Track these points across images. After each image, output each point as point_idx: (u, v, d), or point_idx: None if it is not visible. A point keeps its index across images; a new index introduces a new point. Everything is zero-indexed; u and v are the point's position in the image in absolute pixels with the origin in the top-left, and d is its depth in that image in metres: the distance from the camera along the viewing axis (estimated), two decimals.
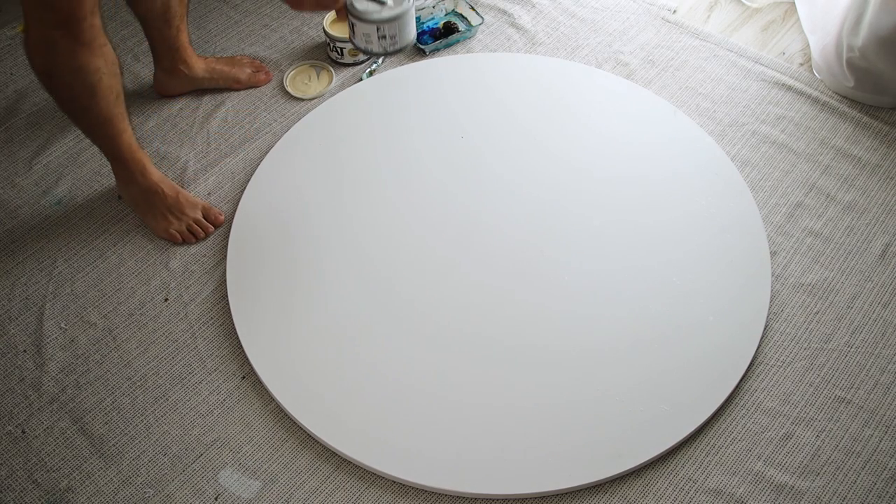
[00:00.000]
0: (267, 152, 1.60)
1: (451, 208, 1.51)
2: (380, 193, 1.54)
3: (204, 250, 1.48)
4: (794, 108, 1.64)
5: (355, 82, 1.73)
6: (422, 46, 1.75)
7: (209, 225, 1.49)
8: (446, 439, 1.25)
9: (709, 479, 1.22)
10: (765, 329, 1.35)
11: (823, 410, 1.27)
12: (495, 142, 1.60)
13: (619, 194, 1.52)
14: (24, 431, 1.28)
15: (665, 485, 1.21)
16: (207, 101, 1.69)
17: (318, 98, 1.70)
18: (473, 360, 1.33)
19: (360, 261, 1.45)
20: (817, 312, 1.38)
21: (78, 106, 1.31)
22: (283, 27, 1.83)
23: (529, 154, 1.58)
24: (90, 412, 1.30)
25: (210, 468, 1.24)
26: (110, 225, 1.52)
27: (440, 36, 1.78)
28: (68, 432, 1.28)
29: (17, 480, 1.24)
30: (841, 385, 1.30)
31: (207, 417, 1.29)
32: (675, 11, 1.84)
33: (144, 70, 1.74)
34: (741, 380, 1.30)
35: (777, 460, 1.23)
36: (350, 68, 1.76)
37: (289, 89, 1.71)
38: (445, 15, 1.82)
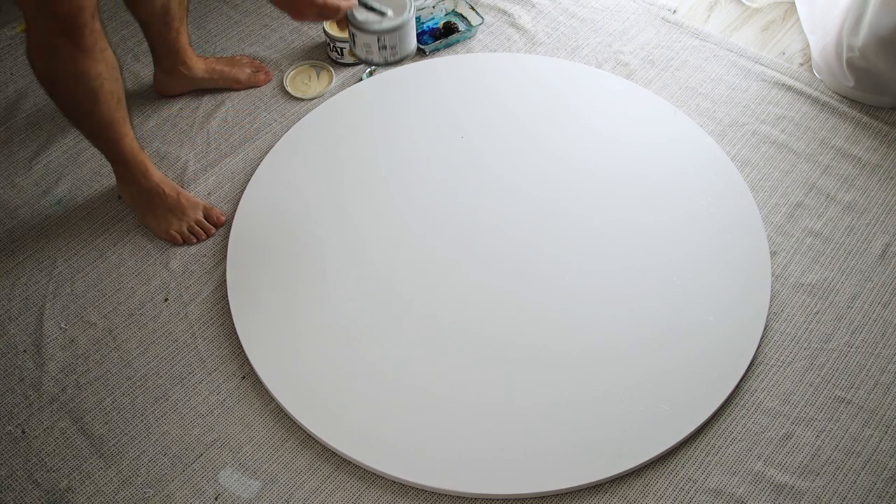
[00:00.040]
0: (267, 152, 1.60)
1: (452, 208, 1.51)
2: (380, 193, 1.54)
3: (204, 250, 1.49)
4: (794, 108, 1.64)
5: (355, 82, 1.73)
6: (422, 46, 1.75)
7: (210, 226, 1.49)
8: (446, 439, 1.25)
9: (709, 479, 1.22)
10: (765, 329, 1.35)
11: (823, 410, 1.27)
12: (495, 142, 1.60)
13: (619, 194, 1.52)
14: (24, 431, 1.28)
15: (665, 485, 1.21)
16: (207, 101, 1.69)
17: (318, 98, 1.70)
18: (473, 359, 1.33)
19: (360, 260, 1.45)
20: (817, 312, 1.38)
21: (80, 111, 1.32)
22: (283, 27, 1.83)
23: (529, 154, 1.58)
24: (90, 412, 1.30)
25: (210, 468, 1.24)
26: (110, 225, 1.52)
27: (440, 36, 1.78)
28: (68, 432, 1.28)
29: (17, 480, 1.24)
30: (841, 385, 1.30)
31: (207, 417, 1.29)
32: (675, 11, 1.84)
33: (144, 70, 1.74)
34: (741, 380, 1.30)
35: (777, 460, 1.23)
36: (350, 68, 1.76)
37: (289, 89, 1.71)
38: (445, 15, 1.82)
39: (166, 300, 1.42)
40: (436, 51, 1.77)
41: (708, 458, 1.24)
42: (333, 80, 1.72)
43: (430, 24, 1.80)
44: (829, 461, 1.23)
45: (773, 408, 1.28)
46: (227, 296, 1.41)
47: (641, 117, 1.64)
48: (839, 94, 1.65)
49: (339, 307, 1.39)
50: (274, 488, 1.22)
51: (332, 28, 1.71)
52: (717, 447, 1.24)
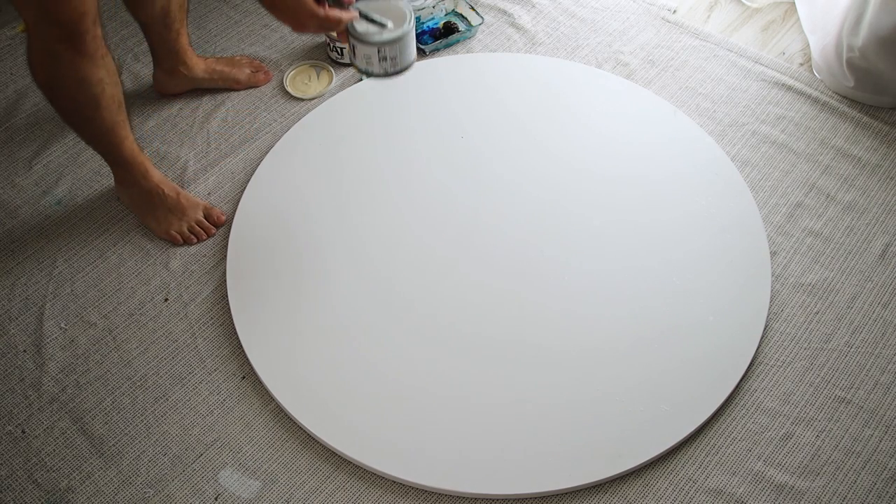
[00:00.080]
0: (267, 152, 1.60)
1: (452, 208, 1.51)
2: (380, 193, 1.54)
3: (204, 250, 1.48)
4: (794, 108, 1.64)
5: (355, 82, 1.73)
6: (422, 46, 1.75)
7: (211, 226, 1.49)
8: (446, 439, 1.25)
9: (709, 479, 1.22)
10: (765, 329, 1.35)
11: (823, 410, 1.27)
12: (495, 142, 1.60)
13: (619, 194, 1.52)
14: (24, 431, 1.28)
15: (665, 485, 1.21)
16: (207, 101, 1.69)
17: (318, 98, 1.70)
18: (473, 359, 1.33)
19: (360, 260, 1.45)
20: (817, 312, 1.38)
21: (82, 117, 1.32)
22: (283, 27, 1.83)
23: (529, 154, 1.58)
24: (90, 412, 1.30)
25: (210, 468, 1.24)
26: (110, 225, 1.52)
27: (440, 36, 1.78)
28: (68, 432, 1.28)
29: (17, 480, 1.24)
30: (841, 385, 1.30)
31: (207, 417, 1.29)
32: (675, 11, 1.84)
33: (144, 70, 1.74)
34: (741, 380, 1.30)
35: (777, 460, 1.23)
36: (350, 68, 1.76)
37: (289, 89, 1.71)
38: (445, 15, 1.82)
39: (166, 300, 1.42)
40: (436, 51, 1.77)
41: (708, 458, 1.24)
42: (333, 80, 1.72)
43: (430, 24, 1.80)
44: (829, 461, 1.23)
45: (773, 408, 1.28)
46: (227, 296, 1.41)
47: (641, 117, 1.64)
48: (839, 94, 1.65)
49: (339, 307, 1.39)
50: (274, 488, 1.22)
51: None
52: (717, 447, 1.24)
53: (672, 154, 1.58)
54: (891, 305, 1.38)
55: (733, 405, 1.28)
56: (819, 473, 1.22)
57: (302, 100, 1.70)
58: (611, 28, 1.81)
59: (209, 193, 1.56)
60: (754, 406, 1.28)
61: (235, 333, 1.37)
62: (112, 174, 1.49)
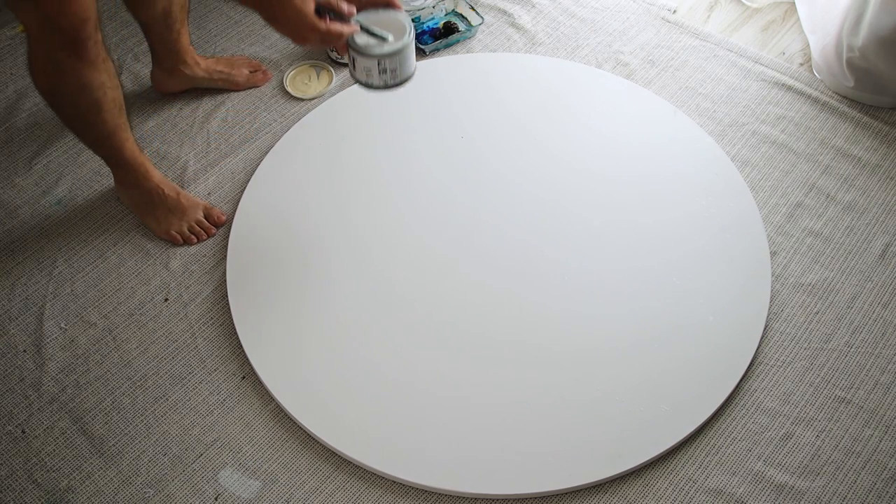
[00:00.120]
0: (267, 152, 1.60)
1: (452, 208, 1.51)
2: (380, 193, 1.54)
3: (204, 250, 1.48)
4: (794, 108, 1.64)
5: (355, 82, 1.72)
6: (422, 46, 1.75)
7: (211, 226, 1.49)
8: (446, 439, 1.25)
9: (709, 479, 1.22)
10: (765, 329, 1.35)
11: (823, 410, 1.27)
12: (495, 142, 1.60)
13: (619, 194, 1.52)
14: (24, 431, 1.28)
15: (665, 485, 1.21)
16: (207, 101, 1.69)
17: (318, 98, 1.70)
18: (473, 359, 1.33)
19: (359, 260, 1.45)
20: (817, 312, 1.38)
21: (84, 122, 1.32)
22: None
23: (529, 154, 1.58)
24: (90, 412, 1.30)
25: (210, 468, 1.24)
26: (110, 225, 1.52)
27: (440, 36, 1.78)
28: (68, 432, 1.28)
29: (17, 480, 1.24)
30: (841, 385, 1.30)
31: (207, 417, 1.29)
32: (675, 11, 1.84)
33: (144, 70, 1.74)
34: (741, 380, 1.30)
35: (777, 460, 1.23)
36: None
37: (289, 89, 1.71)
38: (445, 15, 1.82)
39: (166, 300, 1.42)
40: (436, 51, 1.77)
41: (708, 458, 1.24)
42: (333, 80, 1.72)
43: (430, 24, 1.80)
44: (829, 461, 1.23)
45: (773, 408, 1.28)
46: (227, 296, 1.41)
47: (641, 117, 1.64)
48: (839, 94, 1.65)
49: (339, 307, 1.39)
50: (274, 488, 1.22)
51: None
52: (717, 447, 1.24)
53: (672, 154, 1.58)
54: (891, 305, 1.38)
55: (733, 405, 1.28)
56: (819, 473, 1.22)
57: (302, 100, 1.70)
58: (611, 28, 1.81)
59: (209, 193, 1.56)
60: (754, 406, 1.28)
61: (235, 333, 1.37)
62: (112, 174, 1.49)
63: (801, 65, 1.73)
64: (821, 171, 1.55)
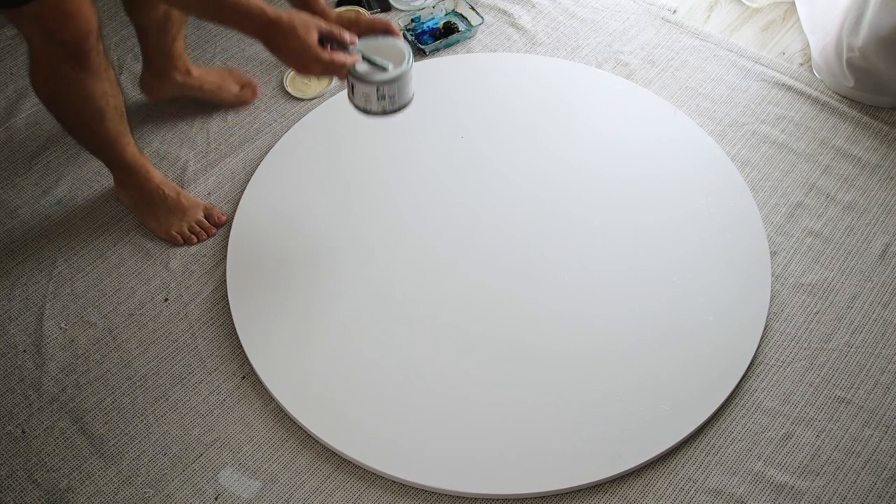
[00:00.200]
0: (267, 152, 1.60)
1: (452, 208, 1.51)
2: (380, 193, 1.54)
3: (204, 250, 1.48)
4: (794, 108, 1.64)
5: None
6: (422, 46, 1.75)
7: (211, 226, 1.49)
8: (446, 439, 1.25)
9: (709, 479, 1.22)
10: (765, 329, 1.35)
11: (823, 410, 1.27)
12: (495, 142, 1.60)
13: (619, 194, 1.52)
14: (24, 431, 1.28)
15: (665, 485, 1.21)
16: (207, 102, 1.69)
17: (318, 98, 1.70)
18: (473, 359, 1.33)
19: (360, 260, 1.45)
20: (817, 312, 1.38)
21: (87, 130, 1.33)
22: None
23: (529, 154, 1.58)
24: (90, 412, 1.30)
25: (210, 468, 1.24)
26: (110, 225, 1.52)
27: (440, 36, 1.78)
28: (68, 432, 1.28)
29: (17, 480, 1.24)
30: (841, 385, 1.30)
31: (207, 417, 1.29)
32: (675, 11, 1.84)
33: None
34: (741, 380, 1.30)
35: (777, 460, 1.23)
36: None
37: (289, 89, 1.71)
38: (445, 15, 1.82)
39: (166, 300, 1.42)
40: (436, 51, 1.77)
41: (708, 458, 1.24)
42: (333, 80, 1.72)
43: (430, 24, 1.80)
44: (829, 461, 1.23)
45: (773, 408, 1.28)
46: (227, 296, 1.41)
47: (641, 117, 1.64)
48: (839, 94, 1.65)
49: (339, 307, 1.39)
50: (274, 488, 1.22)
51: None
52: (717, 447, 1.25)
53: (672, 154, 1.58)
54: (891, 305, 1.38)
55: (733, 405, 1.28)
56: (819, 473, 1.22)
57: (302, 100, 1.70)
58: (611, 28, 1.81)
59: (209, 193, 1.56)
60: (754, 406, 1.28)
61: (235, 333, 1.37)
62: (112, 175, 1.49)
63: (801, 65, 1.73)
64: (821, 171, 1.55)
